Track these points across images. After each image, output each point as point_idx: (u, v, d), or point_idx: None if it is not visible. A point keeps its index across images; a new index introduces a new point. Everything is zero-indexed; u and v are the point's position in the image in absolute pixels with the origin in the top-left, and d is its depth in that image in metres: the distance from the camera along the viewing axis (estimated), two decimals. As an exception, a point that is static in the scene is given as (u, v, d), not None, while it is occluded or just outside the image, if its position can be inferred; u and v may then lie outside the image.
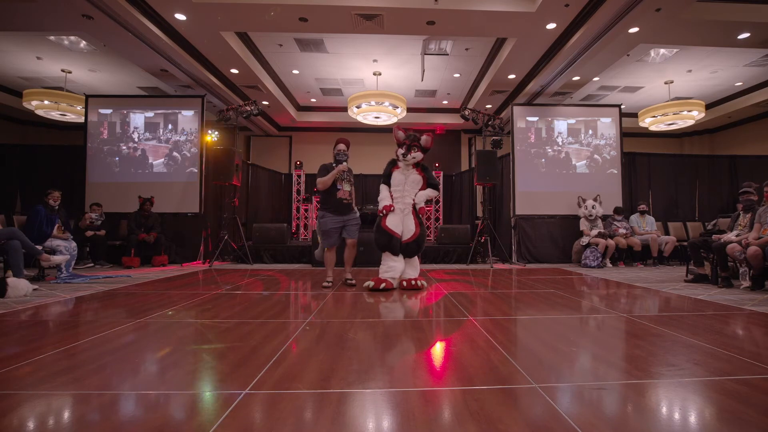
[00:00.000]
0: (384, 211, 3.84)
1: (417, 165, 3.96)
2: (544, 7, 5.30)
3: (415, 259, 3.98)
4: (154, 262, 6.06)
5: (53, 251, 4.56)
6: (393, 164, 4.01)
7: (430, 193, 3.99)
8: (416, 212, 3.90)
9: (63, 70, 7.73)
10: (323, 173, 3.88)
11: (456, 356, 1.86)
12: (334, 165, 3.92)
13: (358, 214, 4.09)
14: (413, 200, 3.91)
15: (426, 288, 3.87)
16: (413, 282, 3.79)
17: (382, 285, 3.68)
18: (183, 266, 6.14)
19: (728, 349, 1.94)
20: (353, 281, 4.06)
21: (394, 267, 3.81)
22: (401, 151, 3.87)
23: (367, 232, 4.76)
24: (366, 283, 3.81)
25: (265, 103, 9.18)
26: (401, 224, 3.85)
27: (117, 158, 6.90)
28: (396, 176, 3.92)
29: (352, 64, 7.80)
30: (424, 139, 3.90)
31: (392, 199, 3.89)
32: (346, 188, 3.92)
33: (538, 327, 2.46)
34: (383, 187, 3.98)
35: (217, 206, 7.30)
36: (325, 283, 3.93)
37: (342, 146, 3.97)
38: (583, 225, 6.53)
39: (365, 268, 5.58)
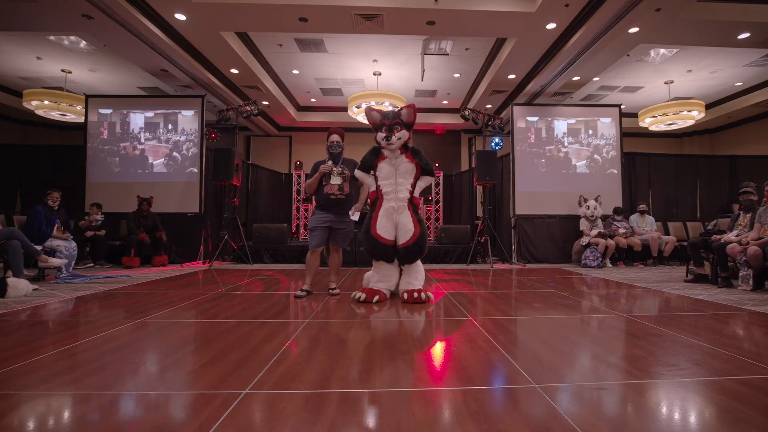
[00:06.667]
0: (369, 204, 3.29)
1: (406, 149, 3.34)
2: (544, 7, 5.30)
3: (417, 264, 3.36)
4: (154, 262, 6.06)
5: (53, 251, 4.56)
6: (376, 154, 3.40)
7: (424, 183, 3.39)
8: (414, 208, 3.31)
9: (63, 70, 7.73)
10: (314, 173, 3.48)
11: (456, 356, 1.86)
12: (327, 160, 3.48)
13: (352, 218, 3.49)
14: (410, 191, 3.28)
15: (432, 300, 3.24)
16: (416, 294, 3.13)
17: (375, 297, 3.18)
18: (183, 266, 6.14)
19: (728, 349, 1.93)
20: (337, 290, 3.54)
21: (389, 276, 3.34)
22: (382, 134, 3.25)
23: (357, 230, 4.51)
24: (356, 295, 3.27)
25: (265, 103, 9.18)
26: (393, 227, 3.26)
27: (117, 158, 6.90)
28: (383, 168, 3.31)
29: (352, 64, 7.80)
30: (405, 112, 3.26)
31: (381, 196, 3.33)
32: (334, 182, 3.39)
33: (538, 327, 2.46)
34: (361, 175, 3.42)
35: (217, 206, 7.30)
36: (298, 292, 3.43)
37: (335, 137, 3.48)
38: (583, 225, 6.53)
39: (364, 269, 5.55)
